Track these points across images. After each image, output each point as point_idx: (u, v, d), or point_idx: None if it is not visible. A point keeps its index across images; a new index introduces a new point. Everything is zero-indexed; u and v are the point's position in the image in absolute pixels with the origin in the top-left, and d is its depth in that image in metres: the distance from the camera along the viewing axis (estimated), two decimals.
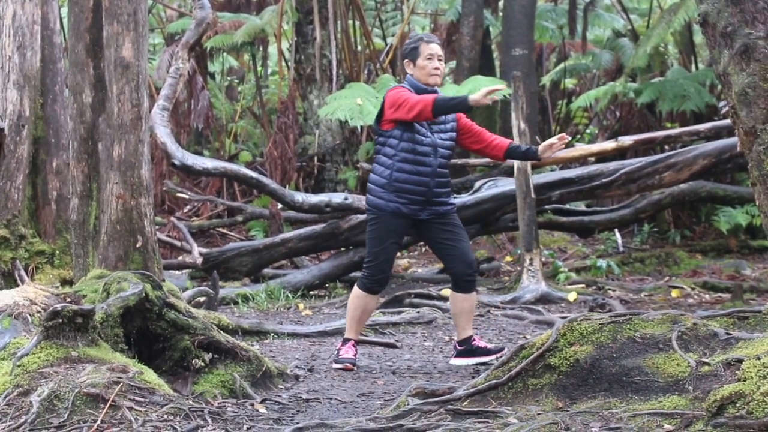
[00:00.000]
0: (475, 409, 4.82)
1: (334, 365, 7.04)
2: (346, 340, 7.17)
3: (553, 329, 5.10)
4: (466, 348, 7.18)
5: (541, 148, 6.97)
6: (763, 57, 4.66)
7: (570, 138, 7.09)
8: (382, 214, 6.97)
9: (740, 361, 4.46)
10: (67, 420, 4.69)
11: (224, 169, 11.21)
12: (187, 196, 14.40)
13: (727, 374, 4.48)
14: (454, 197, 11.04)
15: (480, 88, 13.19)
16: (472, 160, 13.25)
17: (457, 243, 7.03)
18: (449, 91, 13.83)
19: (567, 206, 12.48)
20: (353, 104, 13.44)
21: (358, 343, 7.25)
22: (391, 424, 4.77)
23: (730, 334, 4.87)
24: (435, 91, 6.97)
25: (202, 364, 5.96)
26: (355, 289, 7.13)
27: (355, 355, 7.10)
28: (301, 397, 6.00)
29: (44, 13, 9.02)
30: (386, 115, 6.92)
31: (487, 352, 7.09)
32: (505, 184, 11.25)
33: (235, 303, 10.16)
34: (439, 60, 7.03)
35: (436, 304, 9.42)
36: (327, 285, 11.29)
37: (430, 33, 7.39)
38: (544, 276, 10.39)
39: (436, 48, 7.02)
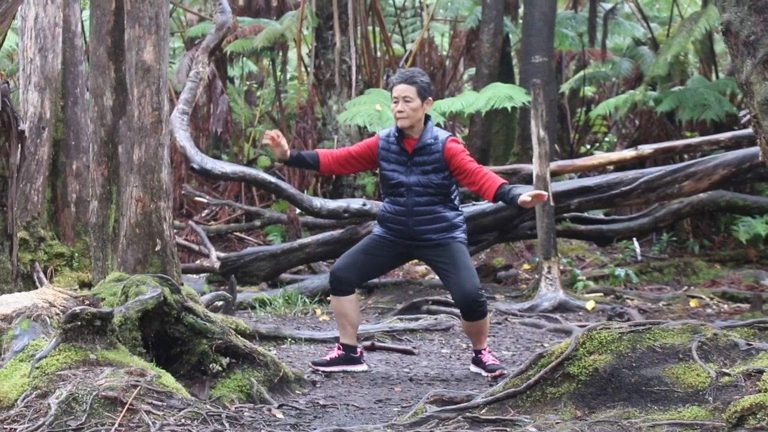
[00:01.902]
0: (493, 417, 4.81)
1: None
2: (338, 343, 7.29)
3: (572, 338, 5.08)
4: (474, 358, 7.26)
5: (520, 199, 6.77)
6: None
7: (547, 196, 6.94)
8: (373, 232, 7.21)
9: (761, 372, 4.44)
10: (85, 423, 4.70)
11: (243, 174, 11.23)
12: (205, 200, 14.43)
13: (747, 385, 4.46)
14: (473, 204, 11.10)
15: (499, 95, 13.39)
16: (491, 167, 13.20)
17: (450, 275, 6.97)
18: (468, 98, 13.85)
19: (585, 214, 12.43)
20: (372, 110, 13.44)
21: (373, 349, 7.26)
22: (408, 431, 4.76)
23: (751, 344, 4.84)
24: (410, 134, 6.98)
25: (220, 368, 5.97)
26: None
27: (330, 358, 7.15)
28: (318, 402, 5.99)
29: (66, 15, 9.07)
30: None
31: (484, 368, 7.10)
32: (524, 192, 11.20)
33: (253, 308, 10.16)
34: (406, 101, 6.87)
35: (454, 311, 9.38)
36: None
37: (408, 70, 7.17)
38: (562, 284, 10.35)
39: (399, 89, 6.92)
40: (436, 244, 6.97)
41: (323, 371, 7.03)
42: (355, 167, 7.29)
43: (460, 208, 7.11)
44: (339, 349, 7.18)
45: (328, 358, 7.18)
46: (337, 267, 7.14)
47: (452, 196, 7.03)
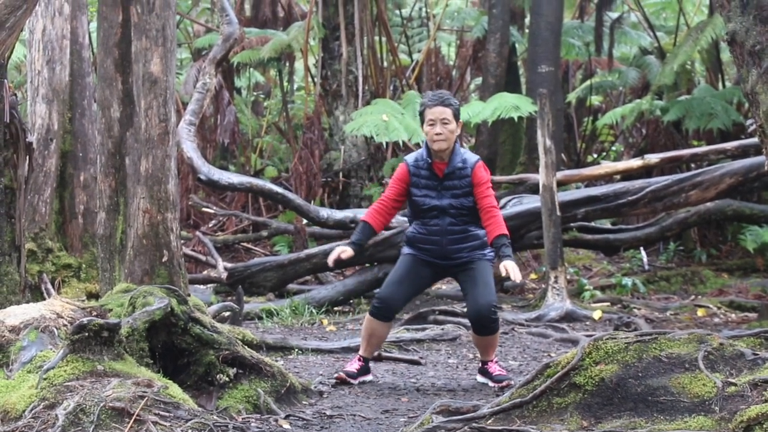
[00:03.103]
0: (500, 428, 4.80)
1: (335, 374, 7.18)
2: (360, 355, 7.27)
3: (579, 348, 5.07)
4: (481, 368, 7.25)
5: (501, 265, 6.74)
6: None
7: (521, 282, 6.97)
8: (405, 253, 7.16)
9: (767, 381, 4.43)
10: None
11: (250, 185, 11.25)
12: (212, 211, 14.46)
13: (753, 395, 4.46)
14: None
15: (505, 105, 13.43)
16: (497, 177, 13.26)
17: (469, 289, 7.00)
18: (475, 107, 13.87)
19: (592, 224, 12.44)
20: (379, 120, 13.47)
21: (380, 359, 7.25)
22: None
23: (757, 354, 4.84)
24: (441, 157, 6.94)
25: (227, 379, 5.97)
26: (367, 313, 7.23)
27: (357, 369, 7.14)
28: (324, 413, 6.00)
29: (73, 27, 9.10)
30: None
31: (491, 378, 7.10)
32: (531, 202, 11.22)
33: (260, 318, 10.17)
34: (445, 123, 6.86)
35: (461, 321, 9.39)
36: (351, 301, 11.28)
37: (439, 92, 7.20)
38: (569, 294, 10.35)
39: (436, 112, 6.88)
40: (466, 260, 7.00)
41: (352, 383, 7.02)
42: (398, 208, 7.26)
43: None
44: (360, 360, 7.19)
45: (354, 369, 7.15)
46: (387, 294, 7.06)
47: None
